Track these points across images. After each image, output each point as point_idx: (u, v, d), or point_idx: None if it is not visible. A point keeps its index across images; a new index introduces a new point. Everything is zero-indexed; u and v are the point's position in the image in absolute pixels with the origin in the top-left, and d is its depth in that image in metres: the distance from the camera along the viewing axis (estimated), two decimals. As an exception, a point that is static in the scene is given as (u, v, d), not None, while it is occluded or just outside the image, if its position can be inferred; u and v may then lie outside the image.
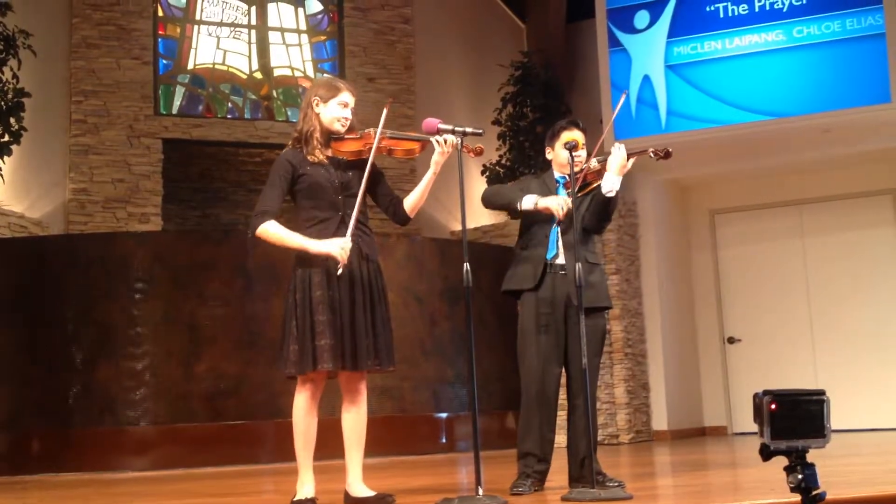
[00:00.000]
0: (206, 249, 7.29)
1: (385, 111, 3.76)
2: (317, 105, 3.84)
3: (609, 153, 4.20)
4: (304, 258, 3.76)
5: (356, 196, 3.75)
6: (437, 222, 9.59)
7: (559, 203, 4.15)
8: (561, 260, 4.24)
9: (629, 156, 4.16)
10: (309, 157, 3.80)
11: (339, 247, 3.66)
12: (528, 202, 4.22)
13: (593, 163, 4.26)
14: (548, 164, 4.47)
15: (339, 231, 3.73)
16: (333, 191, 3.78)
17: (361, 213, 3.81)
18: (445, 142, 3.76)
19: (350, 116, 3.86)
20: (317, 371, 3.69)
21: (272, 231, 3.73)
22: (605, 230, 4.57)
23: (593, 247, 4.39)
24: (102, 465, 6.75)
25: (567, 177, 4.23)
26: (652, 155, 4.18)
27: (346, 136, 3.84)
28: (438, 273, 7.86)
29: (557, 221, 4.20)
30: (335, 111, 3.83)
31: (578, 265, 3.95)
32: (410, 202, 3.94)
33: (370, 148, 3.77)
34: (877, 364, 9.14)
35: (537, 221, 4.30)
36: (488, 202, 4.40)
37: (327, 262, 3.72)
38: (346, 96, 3.85)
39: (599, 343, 4.34)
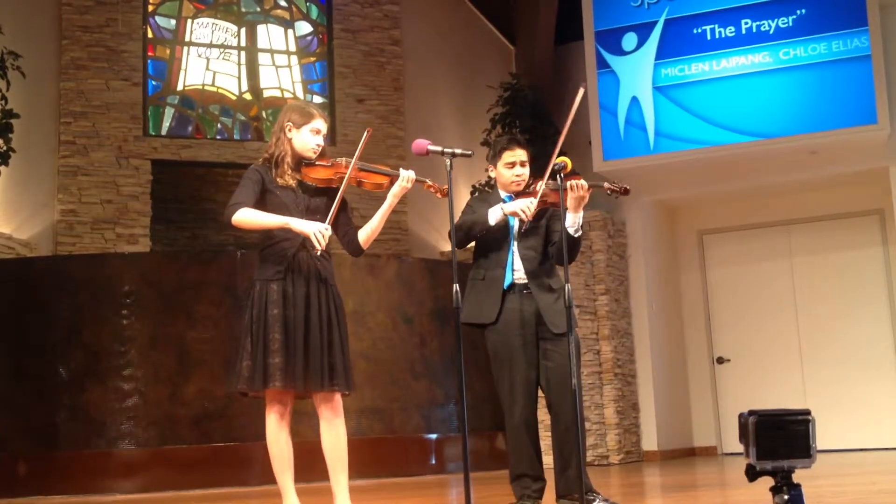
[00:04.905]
0: (195, 271, 7.27)
1: (365, 136, 3.76)
2: (289, 130, 3.82)
3: (555, 166, 3.98)
4: (262, 275, 3.76)
5: (320, 221, 3.71)
6: (427, 243, 9.58)
7: (523, 206, 4.03)
8: (524, 279, 4.18)
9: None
10: (278, 180, 3.79)
11: (317, 229, 3.63)
12: (495, 215, 4.12)
13: (544, 185, 4.09)
14: (492, 184, 4.39)
15: (299, 253, 3.74)
16: (299, 213, 3.75)
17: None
18: (408, 179, 3.77)
19: (322, 143, 3.84)
20: (268, 389, 3.68)
21: (248, 215, 3.72)
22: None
23: (556, 272, 4.30)
24: (90, 487, 6.71)
25: (513, 196, 4.20)
26: (609, 192, 4.09)
27: (317, 163, 3.82)
28: (428, 294, 7.84)
29: (520, 229, 4.11)
30: (307, 138, 3.81)
31: (568, 286, 3.86)
32: (365, 234, 3.91)
33: (340, 177, 3.75)
34: (865, 383, 9.16)
35: (491, 244, 4.22)
36: (461, 240, 4.19)
37: (285, 279, 3.71)
38: (319, 123, 3.83)
39: (578, 357, 4.32)
